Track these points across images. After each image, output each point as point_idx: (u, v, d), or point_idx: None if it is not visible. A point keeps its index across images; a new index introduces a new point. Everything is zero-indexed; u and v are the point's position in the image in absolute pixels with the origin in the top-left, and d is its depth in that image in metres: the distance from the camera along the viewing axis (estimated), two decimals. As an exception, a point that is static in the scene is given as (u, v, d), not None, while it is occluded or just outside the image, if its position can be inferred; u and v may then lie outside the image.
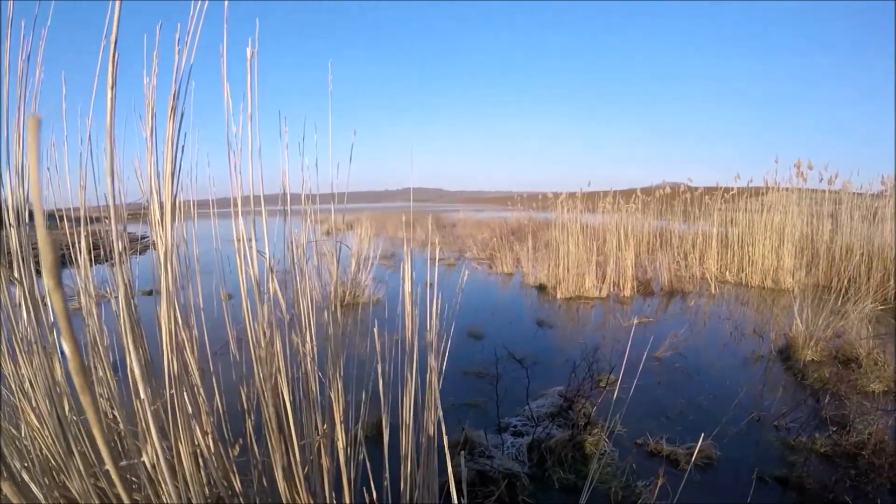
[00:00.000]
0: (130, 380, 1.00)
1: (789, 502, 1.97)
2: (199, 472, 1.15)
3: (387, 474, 1.34)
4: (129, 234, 1.57)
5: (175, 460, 1.04)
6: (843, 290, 4.54)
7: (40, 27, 1.19)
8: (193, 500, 1.09)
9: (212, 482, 1.25)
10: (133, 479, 1.42)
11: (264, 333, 1.19)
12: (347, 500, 1.27)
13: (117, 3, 0.88)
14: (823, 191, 7.23)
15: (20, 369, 1.15)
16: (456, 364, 3.35)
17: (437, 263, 1.55)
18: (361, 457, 1.35)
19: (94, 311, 1.39)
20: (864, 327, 3.66)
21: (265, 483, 1.34)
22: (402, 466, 1.33)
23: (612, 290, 6.08)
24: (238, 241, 1.16)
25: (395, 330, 1.45)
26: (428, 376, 1.29)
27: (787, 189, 7.29)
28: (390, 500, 1.37)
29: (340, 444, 1.27)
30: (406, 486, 1.33)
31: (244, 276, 1.14)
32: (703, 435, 1.82)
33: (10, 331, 1.16)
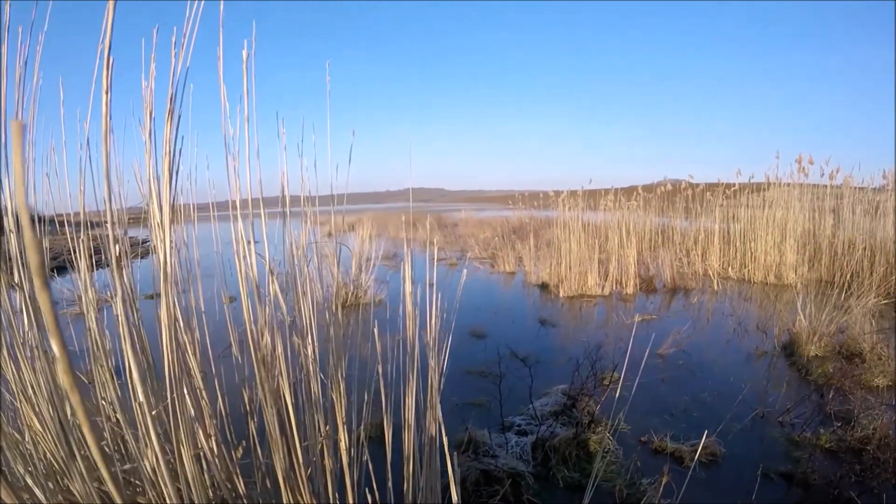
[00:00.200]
0: (130, 384, 1.00)
1: (794, 498, 1.96)
2: (203, 475, 1.15)
3: (390, 475, 1.34)
4: (130, 238, 1.57)
5: (177, 463, 1.04)
6: (846, 284, 4.52)
7: (37, 32, 1.19)
8: (196, 503, 1.09)
9: (215, 484, 1.25)
10: (137, 482, 1.43)
11: (265, 336, 1.18)
12: (350, 502, 1.27)
13: (110, 7, 0.88)
14: (825, 186, 7.21)
15: (22, 374, 1.15)
16: (459, 363, 3.35)
17: (436, 263, 1.56)
18: (364, 458, 1.35)
19: (95, 315, 1.39)
20: (868, 322, 3.65)
21: (268, 485, 1.34)
22: (405, 467, 1.33)
23: (614, 287, 6.08)
24: (237, 243, 1.16)
25: (396, 330, 1.45)
26: (429, 377, 1.29)
27: (788, 184, 7.27)
28: (393, 501, 1.37)
29: (343, 446, 1.27)
30: (409, 486, 1.33)
31: (244, 278, 1.14)
32: (706, 432, 1.81)
33: (11, 335, 1.16)
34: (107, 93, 0.90)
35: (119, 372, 1.42)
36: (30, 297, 1.18)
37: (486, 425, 2.41)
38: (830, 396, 2.69)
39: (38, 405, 1.15)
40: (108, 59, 0.91)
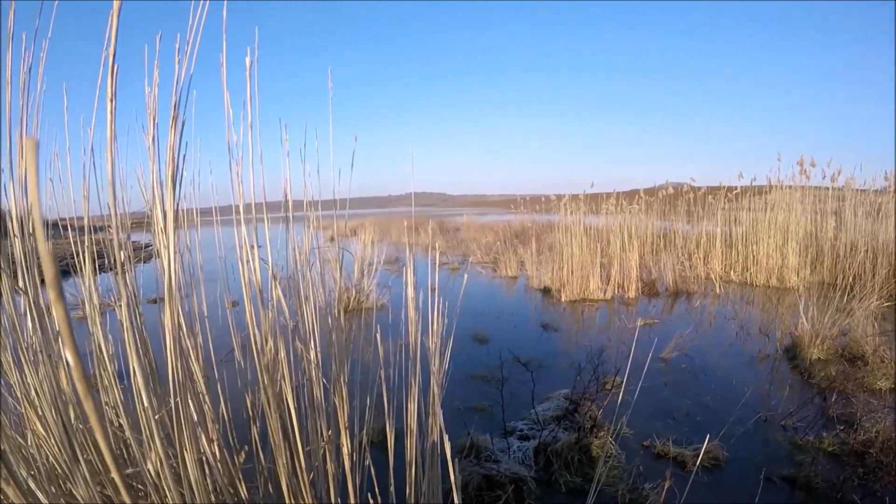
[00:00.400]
0: (134, 388, 1.00)
1: (797, 502, 1.96)
2: (205, 479, 1.15)
3: (392, 480, 1.35)
4: (133, 242, 1.58)
5: (180, 467, 1.05)
6: (849, 287, 4.52)
7: (41, 38, 1.20)
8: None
9: (217, 489, 1.26)
10: (139, 486, 1.43)
11: (268, 340, 1.19)
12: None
13: (114, 18, 0.89)
14: (827, 188, 7.21)
15: (26, 378, 1.16)
16: (461, 368, 3.36)
17: (438, 268, 1.56)
18: (367, 462, 1.36)
19: (99, 319, 1.39)
20: (870, 324, 3.65)
21: (271, 490, 1.34)
22: (407, 472, 1.33)
23: (616, 291, 6.07)
24: (241, 249, 1.17)
25: (399, 335, 1.45)
26: (431, 384, 1.30)
27: (790, 187, 7.28)
28: (396, 506, 1.37)
29: (345, 451, 1.27)
30: (411, 491, 1.33)
31: (247, 283, 1.15)
32: (708, 436, 1.81)
33: (15, 340, 1.17)
34: (111, 100, 0.91)
35: (121, 376, 1.43)
36: (34, 302, 1.19)
37: (488, 430, 2.41)
38: (833, 399, 2.69)
39: (41, 409, 1.16)
40: (112, 66, 0.92)
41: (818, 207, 7.05)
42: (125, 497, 0.59)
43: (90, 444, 1.23)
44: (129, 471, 1.33)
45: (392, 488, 1.35)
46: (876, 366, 3.13)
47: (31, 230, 1.24)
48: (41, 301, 1.22)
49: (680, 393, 3.03)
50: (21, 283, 1.21)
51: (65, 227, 1.61)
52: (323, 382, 1.29)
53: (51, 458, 1.19)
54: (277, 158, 1.35)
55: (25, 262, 1.22)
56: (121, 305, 1.13)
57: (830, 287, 5.51)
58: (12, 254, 1.22)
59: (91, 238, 1.38)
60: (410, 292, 1.38)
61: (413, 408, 1.33)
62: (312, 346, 1.28)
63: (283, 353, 1.18)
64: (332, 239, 1.51)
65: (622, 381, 3.04)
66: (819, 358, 3.46)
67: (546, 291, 6.29)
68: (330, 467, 1.25)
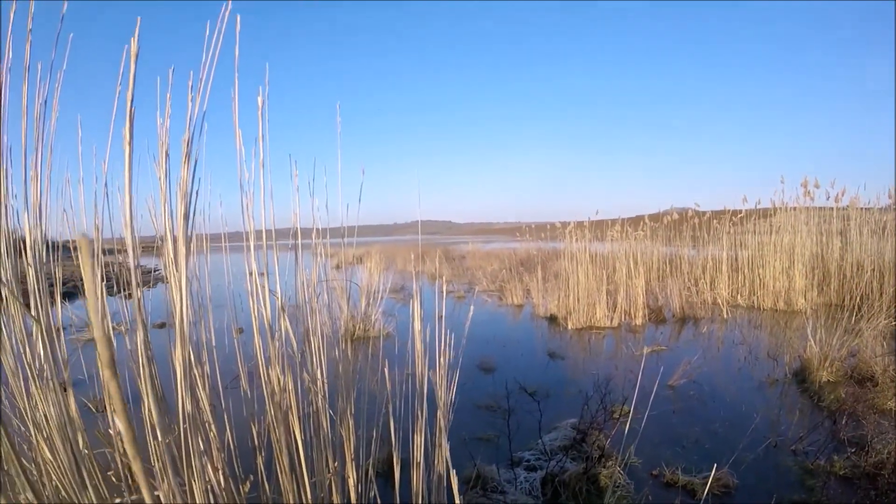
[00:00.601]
0: (147, 414, 1.02)
1: (810, 529, 1.93)
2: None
3: None
4: (141, 266, 1.62)
5: (188, 495, 1.06)
6: (856, 307, 4.49)
7: (56, 70, 1.25)
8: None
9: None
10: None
11: (275, 371, 1.21)
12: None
13: (132, 63, 0.94)
14: (831, 208, 7.22)
15: (34, 402, 1.18)
16: (467, 397, 3.34)
17: (444, 298, 1.58)
18: (372, 493, 1.36)
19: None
20: (879, 344, 3.61)
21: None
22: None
23: (623, 318, 6.05)
24: (251, 284, 1.20)
25: (405, 363, 1.47)
26: (437, 417, 1.31)
27: (794, 209, 7.29)
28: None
29: (351, 482, 1.28)
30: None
31: (256, 315, 1.18)
32: (715, 466, 1.81)
33: (25, 366, 1.19)
34: (129, 144, 0.95)
35: (127, 398, 1.45)
36: (46, 331, 1.22)
37: (494, 460, 2.40)
38: (843, 422, 2.66)
39: (49, 434, 1.18)
40: (129, 110, 0.97)
41: (823, 228, 7.05)
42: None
43: (97, 471, 1.24)
44: (135, 497, 1.34)
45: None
46: (886, 386, 3.10)
47: (43, 258, 1.27)
48: (52, 327, 1.25)
49: (688, 420, 3.00)
50: (34, 311, 1.24)
51: (74, 249, 1.64)
52: (329, 413, 1.31)
53: (56, 482, 1.20)
54: (286, 190, 1.39)
55: (38, 290, 1.25)
56: (131, 333, 1.16)
57: (838, 308, 5.47)
58: (25, 282, 1.25)
59: (101, 262, 1.42)
60: (417, 325, 1.40)
61: (420, 440, 1.34)
62: (319, 376, 1.31)
63: (290, 385, 1.20)
64: (338, 267, 1.55)
65: (630, 410, 3.02)
66: (828, 380, 3.43)
67: (552, 319, 6.27)
68: (335, 499, 1.26)
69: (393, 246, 17.18)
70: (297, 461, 1.19)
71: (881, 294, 5.73)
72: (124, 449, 1.44)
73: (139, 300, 1.12)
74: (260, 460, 1.35)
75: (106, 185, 1.40)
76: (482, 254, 15.46)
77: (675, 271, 8.30)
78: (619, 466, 2.31)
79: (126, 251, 1.05)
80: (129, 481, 1.44)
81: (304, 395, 1.30)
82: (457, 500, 1.14)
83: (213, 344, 1.55)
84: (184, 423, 1.07)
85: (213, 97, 1.10)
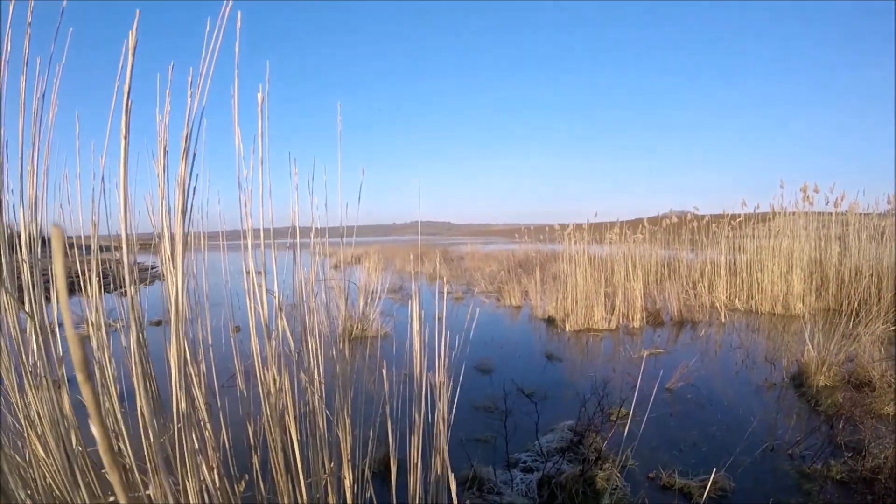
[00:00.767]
0: (140, 415, 1.02)
1: (806, 534, 1.93)
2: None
3: None
4: (138, 264, 1.61)
5: (182, 494, 1.06)
6: (854, 312, 4.49)
7: (55, 64, 1.24)
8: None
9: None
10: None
11: (272, 370, 1.21)
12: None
13: (130, 55, 0.93)
14: (830, 213, 7.23)
15: (28, 399, 1.17)
16: (465, 398, 3.33)
17: (445, 299, 1.58)
18: (368, 494, 1.36)
19: (105, 342, 1.41)
20: (877, 349, 3.62)
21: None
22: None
23: (621, 321, 6.04)
24: (248, 282, 1.19)
25: (402, 364, 1.46)
26: (437, 419, 1.30)
27: (793, 213, 7.30)
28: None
29: (347, 483, 1.28)
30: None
31: (253, 314, 1.17)
32: (714, 469, 1.80)
33: (19, 362, 1.18)
34: (125, 137, 0.94)
35: (122, 397, 1.44)
36: (39, 327, 1.21)
37: (491, 462, 2.39)
38: (840, 427, 2.65)
39: (42, 431, 1.16)
40: (126, 103, 0.96)
41: (822, 233, 7.06)
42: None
43: (90, 469, 1.23)
44: (130, 496, 1.33)
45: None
46: (883, 391, 3.10)
47: (38, 254, 1.26)
48: (46, 324, 1.24)
49: (686, 423, 3.00)
50: (27, 307, 1.22)
51: (71, 246, 1.63)
52: (326, 413, 1.30)
53: (49, 479, 1.19)
54: (285, 189, 1.38)
55: (33, 285, 1.23)
56: (126, 330, 1.15)
57: (836, 313, 5.48)
58: (20, 277, 1.24)
59: (98, 259, 1.41)
60: (416, 326, 1.39)
61: (417, 441, 1.34)
62: (316, 376, 1.30)
63: (286, 383, 1.19)
64: (336, 266, 1.54)
65: (628, 413, 3.02)
66: (825, 385, 3.43)
67: (550, 321, 6.26)
68: (331, 499, 1.25)
69: (391, 246, 17.17)
70: (293, 461, 1.19)
71: (879, 299, 5.74)
72: (119, 447, 1.44)
73: (133, 297, 1.11)
74: (255, 460, 1.34)
75: (103, 179, 1.38)
76: (481, 255, 15.45)
77: (674, 274, 8.30)
78: (616, 469, 2.30)
79: (122, 247, 1.04)
80: (125, 479, 1.43)
81: (301, 395, 1.29)
82: (455, 503, 1.14)
83: (210, 342, 1.53)
84: (178, 421, 1.06)
85: (212, 98, 1.10)
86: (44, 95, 1.24)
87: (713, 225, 9.14)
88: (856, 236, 6.71)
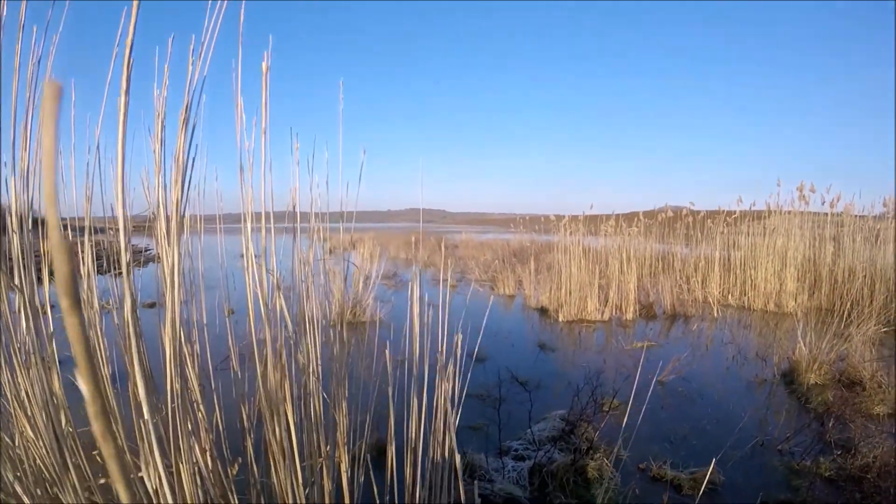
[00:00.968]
0: (132, 397, 1.00)
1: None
2: (197, 490, 1.14)
3: (396, 498, 1.33)
4: (132, 246, 1.58)
5: (175, 477, 1.04)
6: (846, 312, 4.52)
7: (52, 32, 1.20)
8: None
9: (209, 501, 1.24)
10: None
11: (268, 350, 1.19)
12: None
13: (134, 5, 0.88)
14: (825, 214, 7.25)
15: (17, 378, 1.14)
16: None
17: (437, 285, 1.56)
18: (363, 479, 1.35)
19: (98, 322, 1.38)
20: (868, 350, 3.63)
21: (263, 502, 1.33)
22: (408, 492, 1.32)
23: (614, 313, 6.06)
24: (246, 259, 1.17)
25: (396, 350, 1.45)
26: (436, 401, 1.29)
27: (789, 212, 7.32)
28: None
29: (343, 466, 1.26)
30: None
31: (251, 291, 1.15)
32: (708, 463, 1.80)
33: (8, 339, 1.15)
34: (125, 93, 0.89)
35: (115, 378, 1.42)
36: (29, 301, 1.18)
37: (483, 449, 2.39)
38: (830, 424, 2.67)
39: (31, 412, 1.14)
40: (128, 59, 0.91)
41: (817, 233, 7.08)
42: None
43: (80, 450, 1.21)
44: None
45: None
46: (873, 391, 3.12)
47: (29, 225, 1.23)
48: (36, 300, 1.21)
49: (677, 416, 3.01)
50: (17, 281, 1.19)
51: (65, 227, 1.60)
52: (323, 396, 1.28)
53: (38, 461, 1.17)
54: (284, 169, 1.35)
55: (23, 259, 1.20)
56: (118, 308, 1.13)
57: (828, 312, 5.52)
58: (9, 250, 1.20)
59: (92, 239, 1.38)
60: (416, 308, 1.38)
61: (414, 426, 1.33)
62: (313, 358, 1.28)
63: (283, 363, 1.17)
64: (331, 251, 1.51)
65: (619, 404, 3.03)
66: (816, 383, 3.45)
67: (543, 311, 6.27)
68: (326, 482, 1.24)
69: (387, 233, 17.13)
70: (288, 443, 1.17)
71: (871, 301, 5.78)
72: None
73: (128, 260, 1.08)
74: (249, 442, 1.33)
75: (98, 149, 1.35)
76: (475, 243, 15.44)
77: (668, 268, 8.33)
78: (608, 459, 2.31)
79: (116, 227, 1.01)
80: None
81: (297, 376, 1.28)
82: (461, 488, 1.13)
83: (205, 322, 1.51)
84: (172, 402, 1.04)
85: (212, 71, 1.06)
86: (39, 61, 1.20)
87: (708, 221, 9.16)
88: (850, 238, 6.74)
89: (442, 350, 1.33)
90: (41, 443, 1.13)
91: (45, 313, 1.32)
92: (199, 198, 1.52)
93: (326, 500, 1.27)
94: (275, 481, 1.17)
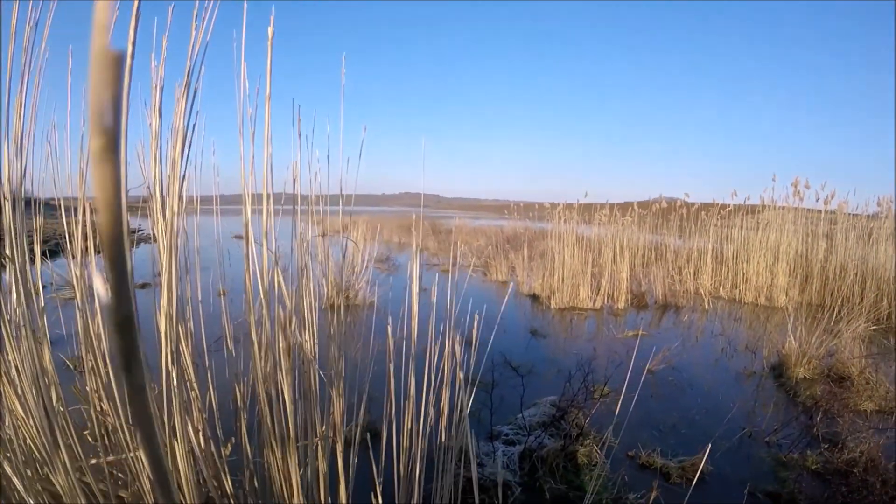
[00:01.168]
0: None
1: (781, 519, 1.96)
2: (190, 471, 1.12)
3: (394, 479, 1.33)
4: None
5: (168, 457, 1.02)
6: (837, 309, 4.55)
7: None
8: (187, 500, 1.07)
9: (201, 481, 1.23)
10: (120, 474, 1.40)
11: (265, 328, 1.16)
12: (343, 502, 1.25)
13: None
14: (819, 210, 7.29)
15: (7, 355, 1.11)
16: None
17: (429, 269, 1.54)
18: (355, 461, 1.34)
19: (87, 299, 1.36)
20: (857, 347, 3.67)
21: (256, 484, 1.32)
22: (404, 471, 1.32)
23: (605, 301, 6.08)
24: (245, 231, 1.14)
25: (395, 331, 1.44)
26: (456, 396, 1.28)
27: (783, 208, 7.34)
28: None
29: (339, 446, 1.25)
30: (403, 489, 1.32)
31: (250, 267, 1.12)
32: (704, 450, 1.81)
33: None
34: (132, 43, 0.84)
35: (107, 359, 1.39)
36: (20, 272, 1.15)
37: (474, 433, 2.39)
38: (818, 418, 2.70)
39: (21, 388, 1.12)
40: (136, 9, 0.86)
41: (810, 229, 7.12)
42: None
43: (71, 429, 1.19)
44: (111, 458, 1.30)
45: (379, 488, 1.33)
46: (861, 387, 3.15)
47: (23, 196, 1.19)
48: (28, 273, 1.18)
49: (666, 405, 3.03)
50: (8, 251, 1.16)
51: (57, 207, 1.56)
52: (319, 375, 1.27)
53: (29, 440, 1.15)
54: (283, 144, 1.31)
55: (14, 230, 1.16)
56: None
57: (819, 308, 5.57)
58: (0, 221, 1.17)
59: (85, 217, 1.34)
60: (415, 287, 1.37)
61: (411, 406, 1.32)
62: (308, 336, 1.26)
63: (281, 343, 1.15)
64: (324, 234, 1.49)
65: (610, 391, 3.04)
66: (805, 377, 3.48)
67: (535, 298, 6.28)
68: (321, 463, 1.23)
69: (380, 216, 17.04)
70: (285, 423, 1.15)
71: (862, 299, 5.83)
72: (102, 407, 1.39)
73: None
74: (242, 422, 1.31)
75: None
76: (469, 229, 15.39)
77: (660, 259, 8.35)
78: (598, 445, 2.32)
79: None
80: (106, 441, 1.39)
81: (295, 354, 1.26)
82: (473, 468, 1.13)
83: (199, 299, 1.49)
84: (165, 377, 1.02)
85: (213, 40, 1.02)
86: (37, 24, 1.15)
87: (702, 213, 9.18)
88: (843, 235, 6.78)
89: (449, 329, 1.32)
90: (32, 422, 1.10)
91: (36, 292, 1.29)
92: (196, 173, 1.48)
93: (321, 480, 1.26)
94: (269, 461, 1.16)
